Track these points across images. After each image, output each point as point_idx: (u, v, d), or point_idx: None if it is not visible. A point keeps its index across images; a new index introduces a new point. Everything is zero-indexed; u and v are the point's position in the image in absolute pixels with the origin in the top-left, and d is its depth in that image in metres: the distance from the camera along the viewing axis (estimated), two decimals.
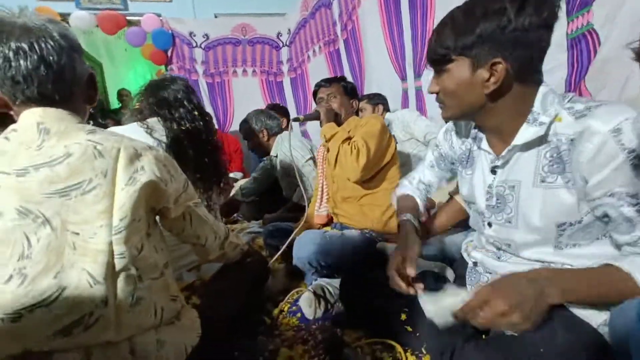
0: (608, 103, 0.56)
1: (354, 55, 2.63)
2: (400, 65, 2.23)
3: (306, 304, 1.01)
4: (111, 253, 0.54)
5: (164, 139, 1.02)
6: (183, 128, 1.04)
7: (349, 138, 1.23)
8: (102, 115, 3.48)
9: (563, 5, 1.06)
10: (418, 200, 0.93)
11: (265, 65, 3.76)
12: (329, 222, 1.40)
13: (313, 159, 1.86)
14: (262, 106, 2.69)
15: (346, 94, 1.37)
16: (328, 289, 1.06)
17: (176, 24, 3.40)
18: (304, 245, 1.09)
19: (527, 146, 0.62)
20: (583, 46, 1.02)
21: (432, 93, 0.69)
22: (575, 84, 1.05)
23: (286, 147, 1.81)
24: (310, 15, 3.19)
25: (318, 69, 3.15)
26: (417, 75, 2.14)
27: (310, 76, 3.34)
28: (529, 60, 0.58)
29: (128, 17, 3.38)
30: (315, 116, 1.34)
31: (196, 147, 1.07)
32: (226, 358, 0.87)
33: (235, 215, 2.30)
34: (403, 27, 1.97)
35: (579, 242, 0.62)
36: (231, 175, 2.69)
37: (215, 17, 3.69)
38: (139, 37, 3.30)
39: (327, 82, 1.38)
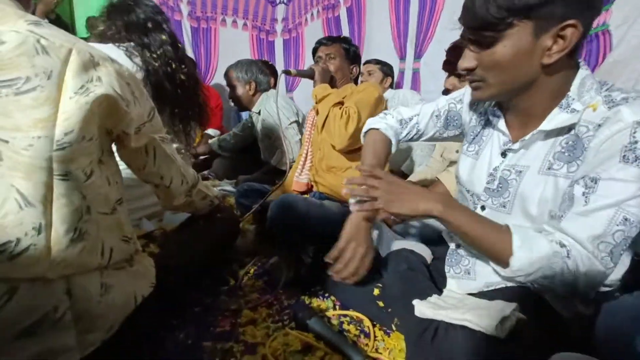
0: None
1: (355, 26, 2.49)
2: (401, 44, 2.14)
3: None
4: (50, 171, 0.44)
5: (143, 65, 0.90)
6: (156, 57, 0.91)
7: (341, 102, 1.15)
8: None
9: None
10: (391, 139, 0.82)
11: (258, 21, 3.48)
12: (308, 190, 1.33)
13: (297, 122, 1.76)
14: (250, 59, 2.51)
15: (347, 58, 1.28)
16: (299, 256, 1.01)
17: None
18: (283, 207, 1.01)
19: (553, 133, 0.58)
20: (594, 46, 1.00)
21: (465, 70, 0.59)
22: None
23: (271, 106, 1.69)
24: None
25: (314, 34, 2.96)
26: (417, 56, 2.07)
27: (306, 40, 3.15)
28: (589, 28, 0.52)
29: None
30: (309, 74, 1.24)
31: (172, 79, 0.95)
32: (182, 313, 0.80)
33: (206, 172, 2.17)
34: (410, 3, 1.87)
35: None
36: (208, 131, 2.52)
37: None
38: None
39: (329, 40, 1.29)
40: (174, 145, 0.99)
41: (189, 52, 3.27)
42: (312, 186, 1.31)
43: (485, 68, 0.57)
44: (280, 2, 3.45)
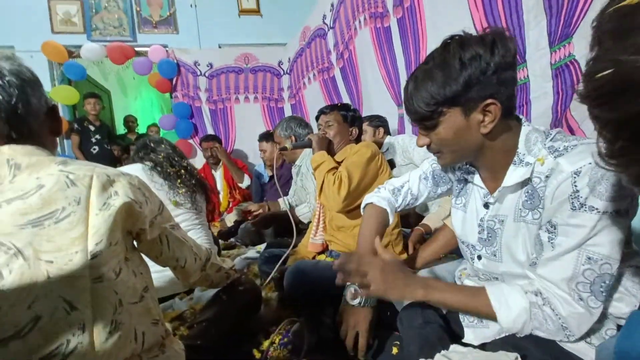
0: (586, 143, 0.58)
1: (352, 82, 2.71)
2: (396, 92, 2.29)
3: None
4: (88, 278, 0.53)
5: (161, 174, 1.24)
6: (163, 165, 1.26)
7: (336, 167, 1.22)
8: (110, 141, 3.56)
9: (545, 36, 1.10)
10: (389, 214, 0.87)
11: (267, 92, 3.89)
12: (324, 249, 1.37)
13: None
14: (263, 130, 2.77)
15: (345, 122, 1.35)
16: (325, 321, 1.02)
17: (182, 54, 3.56)
18: (297, 274, 1.06)
19: (515, 187, 0.63)
20: (567, 75, 1.05)
21: (421, 146, 0.69)
22: (561, 112, 1.07)
23: (309, 164, 1.82)
24: (306, 44, 3.33)
25: (313, 95, 3.25)
26: None
27: (307, 102, 3.43)
28: (511, 97, 0.60)
29: (136, 48, 3.55)
30: (307, 144, 1.34)
31: (183, 170, 1.29)
32: None
33: (233, 239, 2.29)
34: (395, 55, 2.04)
35: None
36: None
37: (220, 47, 3.86)
38: (145, 67, 3.45)
39: (328, 108, 1.38)
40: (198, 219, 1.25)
41: (209, 131, 3.66)
42: (327, 246, 1.36)
43: (436, 144, 0.66)
44: (285, 73, 3.86)
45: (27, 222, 0.51)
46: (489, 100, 0.58)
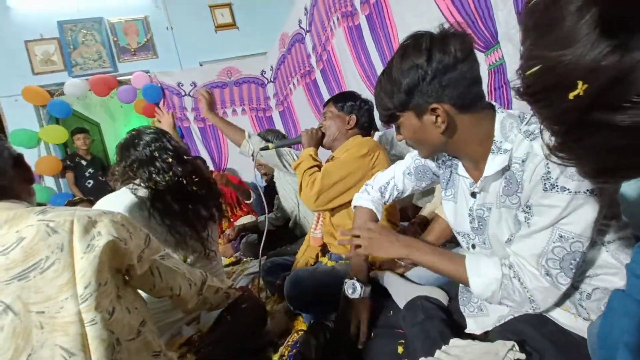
0: None
1: (333, 83, 2.71)
2: (373, 87, 2.29)
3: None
4: (82, 322, 0.54)
5: (148, 195, 1.04)
6: (163, 182, 1.05)
7: (317, 166, 1.21)
8: (104, 173, 3.57)
9: (514, 15, 1.11)
10: (377, 213, 0.91)
11: (254, 103, 3.89)
12: (325, 246, 1.37)
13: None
14: None
15: (341, 111, 1.29)
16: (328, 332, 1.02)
17: (164, 77, 3.57)
18: (296, 284, 1.06)
19: (497, 175, 0.64)
20: (499, 77, 1.08)
21: (400, 141, 0.75)
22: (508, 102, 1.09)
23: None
24: (287, 51, 3.34)
25: (300, 100, 3.26)
26: None
27: (295, 107, 3.44)
28: (463, 94, 0.61)
29: (119, 78, 3.56)
30: (296, 140, 1.33)
31: (180, 197, 1.07)
32: None
33: (237, 254, 2.29)
34: (369, 51, 2.05)
35: None
36: (245, 219, 2.75)
37: (201, 65, 3.87)
38: (129, 94, 3.46)
39: (330, 100, 1.34)
40: (191, 257, 1.08)
41: (201, 149, 3.67)
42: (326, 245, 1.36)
43: (408, 140, 0.70)
44: (269, 82, 3.87)
45: (11, 277, 0.52)
46: (433, 105, 0.61)
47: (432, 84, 0.60)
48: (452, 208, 0.78)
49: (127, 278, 0.66)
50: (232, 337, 0.96)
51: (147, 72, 3.60)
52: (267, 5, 3.95)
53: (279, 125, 3.84)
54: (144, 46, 3.74)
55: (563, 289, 0.57)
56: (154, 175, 1.05)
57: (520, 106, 1.15)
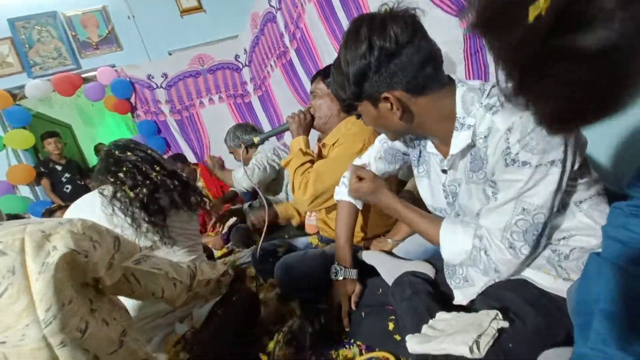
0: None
1: (309, 61, 2.62)
2: None
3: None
4: (49, 346, 0.50)
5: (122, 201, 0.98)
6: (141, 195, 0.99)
7: (309, 162, 1.13)
8: (82, 175, 3.44)
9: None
10: (356, 204, 0.94)
11: (230, 89, 3.76)
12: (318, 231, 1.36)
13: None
14: None
15: (347, 112, 1.16)
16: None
17: (132, 71, 3.39)
18: (286, 270, 1.05)
19: (463, 152, 0.63)
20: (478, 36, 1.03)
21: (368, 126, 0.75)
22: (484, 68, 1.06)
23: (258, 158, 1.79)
24: (260, 32, 3.19)
25: (278, 83, 3.15)
26: None
27: (275, 92, 3.33)
28: (414, 78, 0.58)
29: (83, 75, 3.36)
30: (282, 129, 1.23)
31: (161, 190, 1.02)
32: None
33: (229, 244, 2.28)
34: (342, 26, 1.97)
35: None
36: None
37: (170, 54, 3.68)
38: (97, 92, 3.28)
39: (317, 75, 1.22)
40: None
41: (181, 143, 3.56)
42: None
43: (372, 127, 0.70)
44: (244, 66, 3.72)
45: None
46: (384, 95, 0.59)
47: (379, 73, 0.58)
48: (426, 185, 0.78)
49: (100, 287, 0.63)
50: (225, 332, 0.95)
51: (113, 66, 3.41)
52: None
53: (259, 110, 3.74)
54: (107, 39, 3.51)
55: (523, 258, 0.59)
56: (136, 191, 0.98)
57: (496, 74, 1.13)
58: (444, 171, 0.70)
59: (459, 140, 0.62)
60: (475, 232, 0.64)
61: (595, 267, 0.36)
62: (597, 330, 0.30)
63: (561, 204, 0.59)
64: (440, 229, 0.67)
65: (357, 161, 0.95)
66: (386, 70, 0.57)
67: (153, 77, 3.45)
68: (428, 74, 0.59)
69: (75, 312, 0.54)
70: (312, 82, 1.26)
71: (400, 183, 1.71)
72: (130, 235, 0.96)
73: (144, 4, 3.53)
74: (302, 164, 1.12)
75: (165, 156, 3.51)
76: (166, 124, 3.54)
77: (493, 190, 0.60)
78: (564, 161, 0.52)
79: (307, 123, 1.19)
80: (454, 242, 0.66)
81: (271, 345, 1.02)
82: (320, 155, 1.24)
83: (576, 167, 0.55)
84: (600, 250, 0.40)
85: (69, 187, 3.29)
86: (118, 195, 0.96)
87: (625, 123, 0.85)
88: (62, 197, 3.22)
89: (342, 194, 0.96)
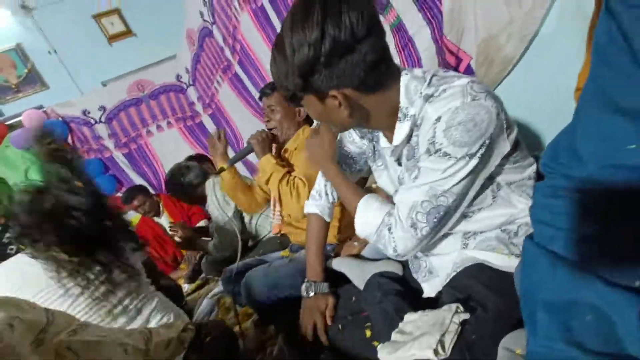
0: (457, 85, 0.56)
1: (254, 73, 2.57)
2: None
3: None
4: None
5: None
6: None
7: (289, 172, 1.17)
8: (17, 238, 3.10)
9: None
10: (324, 217, 0.93)
11: (178, 112, 3.59)
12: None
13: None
14: (191, 152, 2.60)
15: (290, 102, 1.24)
16: None
17: (64, 109, 3.12)
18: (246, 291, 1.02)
19: (404, 143, 0.63)
20: (430, 2, 1.06)
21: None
22: (440, 39, 1.09)
23: (213, 198, 1.73)
24: (199, 48, 3.08)
25: (228, 98, 3.07)
26: None
27: (226, 108, 3.24)
28: (365, 77, 0.55)
29: (7, 122, 3.04)
30: (248, 151, 1.23)
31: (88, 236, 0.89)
32: None
33: (202, 276, 2.17)
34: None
35: (477, 207, 0.63)
36: (200, 224, 2.57)
37: (104, 85, 3.44)
38: (27, 138, 2.98)
39: (269, 88, 1.24)
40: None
41: (134, 177, 3.35)
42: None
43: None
44: (188, 86, 3.57)
45: None
46: (332, 93, 0.55)
47: (328, 69, 0.53)
48: (386, 177, 0.77)
49: None
50: None
51: (41, 107, 3.12)
52: (159, 2, 3.56)
53: (212, 129, 3.61)
54: (28, 79, 3.20)
55: (421, 237, 0.60)
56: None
57: (430, 62, 1.16)
58: (399, 163, 0.69)
59: (401, 131, 0.61)
60: (390, 210, 0.64)
61: (530, 254, 0.36)
62: (541, 325, 0.31)
63: (495, 192, 0.60)
64: (359, 203, 0.68)
65: (319, 179, 0.94)
66: (336, 67, 0.52)
67: (89, 112, 3.20)
68: (381, 71, 0.56)
69: None
70: (261, 98, 1.28)
71: (363, 180, 1.73)
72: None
73: (63, 36, 3.26)
74: (283, 176, 1.15)
75: (119, 193, 3.27)
76: (113, 160, 3.31)
77: (415, 174, 0.60)
78: (484, 155, 0.53)
79: (269, 140, 1.24)
80: (366, 216, 0.66)
81: None
82: (286, 162, 1.28)
83: (505, 152, 0.57)
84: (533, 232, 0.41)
85: (13, 247, 2.95)
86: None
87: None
88: (7, 259, 2.89)
89: (309, 206, 0.94)
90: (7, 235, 3.22)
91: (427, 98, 0.57)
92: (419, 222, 0.58)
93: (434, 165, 0.55)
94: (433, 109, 0.55)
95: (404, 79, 0.60)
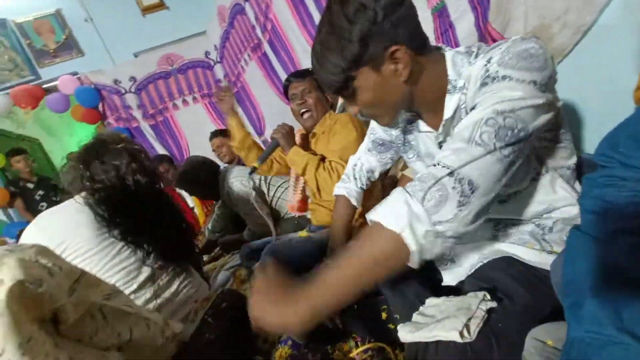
0: (503, 43, 0.54)
1: (283, 53, 2.55)
2: None
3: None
4: None
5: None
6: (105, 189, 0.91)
7: (323, 159, 1.17)
8: (55, 193, 3.28)
9: None
10: (351, 200, 0.92)
11: (204, 89, 3.64)
12: (304, 208, 1.39)
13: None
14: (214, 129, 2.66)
15: (321, 88, 1.23)
16: None
17: (97, 77, 3.22)
18: (273, 255, 1.04)
19: (455, 114, 0.60)
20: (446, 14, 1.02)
21: (355, 115, 0.69)
22: (483, 27, 1.04)
23: (229, 181, 1.77)
24: (229, 25, 3.08)
25: (255, 78, 3.06)
26: None
27: (251, 87, 3.24)
28: (415, 32, 0.57)
29: (44, 85, 3.17)
30: (274, 146, 1.23)
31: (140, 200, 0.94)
32: None
33: (216, 250, 2.23)
34: (312, 14, 1.92)
35: (515, 188, 0.61)
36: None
37: (136, 56, 3.51)
38: (61, 103, 3.12)
39: (300, 75, 1.25)
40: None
41: (158, 148, 3.44)
42: (306, 206, 1.37)
43: (367, 107, 0.62)
44: (215, 63, 3.60)
45: None
46: (393, 48, 0.54)
47: (384, 24, 0.53)
48: (421, 167, 0.75)
49: (58, 327, 0.55)
50: (217, 343, 0.92)
51: (76, 73, 3.23)
52: None
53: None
54: (65, 45, 3.31)
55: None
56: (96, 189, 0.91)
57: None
58: (440, 146, 0.67)
59: (452, 103, 0.59)
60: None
61: (577, 244, 0.35)
62: (590, 312, 0.30)
63: (539, 175, 0.58)
64: (376, 220, 0.51)
65: (351, 159, 0.95)
66: (391, 21, 0.53)
67: (120, 82, 3.29)
68: (423, 32, 0.58)
69: (37, 351, 0.48)
70: (290, 84, 1.26)
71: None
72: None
73: (100, 5, 3.33)
74: (319, 163, 1.16)
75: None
76: (140, 130, 3.41)
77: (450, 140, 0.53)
78: (548, 91, 0.50)
79: (291, 133, 1.25)
80: (389, 206, 0.51)
81: (267, 346, 1.01)
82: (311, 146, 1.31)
83: (554, 114, 0.53)
84: (579, 223, 0.39)
85: (44, 204, 3.14)
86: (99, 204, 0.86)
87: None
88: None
89: (338, 188, 0.95)
90: (39, 192, 3.42)
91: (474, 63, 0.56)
92: (428, 201, 0.47)
93: (491, 89, 0.50)
94: (480, 58, 0.55)
95: (449, 54, 0.60)
